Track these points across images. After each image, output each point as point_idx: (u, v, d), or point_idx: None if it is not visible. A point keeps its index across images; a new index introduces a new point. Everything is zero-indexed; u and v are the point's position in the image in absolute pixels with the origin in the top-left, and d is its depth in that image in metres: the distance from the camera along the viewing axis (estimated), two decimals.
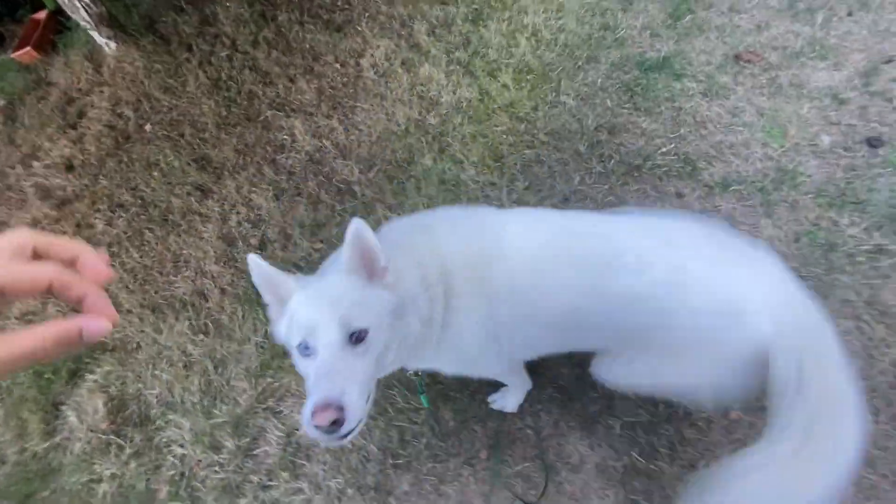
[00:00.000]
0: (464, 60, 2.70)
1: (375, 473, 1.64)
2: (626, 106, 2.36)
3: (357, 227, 0.92)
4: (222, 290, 2.16)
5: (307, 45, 2.92)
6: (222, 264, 2.23)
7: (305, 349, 0.88)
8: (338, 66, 2.80)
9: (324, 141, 2.50)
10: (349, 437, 0.81)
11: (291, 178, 2.43)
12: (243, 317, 2.07)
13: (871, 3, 2.53)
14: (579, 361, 1.74)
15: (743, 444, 1.51)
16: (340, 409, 0.77)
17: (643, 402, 1.63)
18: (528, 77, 2.55)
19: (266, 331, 2.00)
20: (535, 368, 1.66)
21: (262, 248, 2.24)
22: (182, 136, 2.68)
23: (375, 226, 2.13)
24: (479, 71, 2.63)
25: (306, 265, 2.15)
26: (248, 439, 1.79)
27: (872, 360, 1.58)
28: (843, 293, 1.72)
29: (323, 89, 2.71)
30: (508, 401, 1.62)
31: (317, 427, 0.78)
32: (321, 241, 2.21)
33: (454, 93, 2.56)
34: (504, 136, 2.35)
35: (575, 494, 1.51)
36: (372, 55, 2.80)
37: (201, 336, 2.06)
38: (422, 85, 2.63)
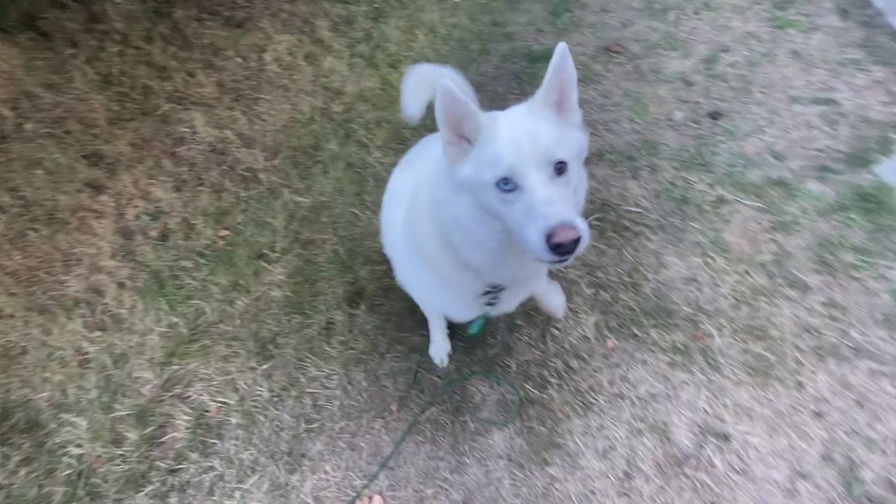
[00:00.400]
0: (366, 54, 2.82)
1: (289, 440, 1.66)
2: (515, 92, 2.60)
3: (563, 51, 0.88)
4: (120, 285, 2.07)
5: (206, 41, 2.90)
6: (119, 258, 2.14)
7: (506, 184, 0.85)
8: (239, 59, 2.80)
9: (226, 132, 2.49)
10: (575, 256, 0.84)
11: (192, 168, 2.39)
12: (145, 309, 2.00)
13: (712, 3, 3.01)
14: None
15: (619, 367, 1.73)
16: (574, 227, 0.80)
17: (534, 341, 1.81)
18: None
19: (171, 321, 1.96)
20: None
21: (163, 239, 2.18)
22: (69, 132, 2.53)
23: (280, 209, 2.18)
24: (381, 63, 2.76)
25: (213, 252, 2.13)
26: (153, 428, 1.73)
27: (716, 287, 1.89)
28: (693, 236, 2.03)
29: (224, 82, 2.70)
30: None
31: (558, 247, 0.79)
32: (226, 228, 2.19)
33: (357, 83, 2.67)
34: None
35: (479, 430, 1.64)
36: (275, 50, 2.84)
37: (98, 333, 1.96)
38: (325, 77, 2.71)
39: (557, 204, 0.82)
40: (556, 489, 1.52)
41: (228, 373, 1.82)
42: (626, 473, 1.53)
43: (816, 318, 1.79)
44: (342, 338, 1.86)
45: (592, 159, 2.32)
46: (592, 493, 1.50)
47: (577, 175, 0.95)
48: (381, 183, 2.27)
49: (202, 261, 2.11)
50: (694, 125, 2.43)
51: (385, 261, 2.04)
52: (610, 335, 1.80)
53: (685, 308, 1.84)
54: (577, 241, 0.80)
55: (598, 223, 2.10)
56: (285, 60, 2.79)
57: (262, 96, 2.63)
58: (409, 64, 2.74)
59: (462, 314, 1.30)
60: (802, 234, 2.00)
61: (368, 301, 1.95)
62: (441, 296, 1.25)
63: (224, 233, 2.19)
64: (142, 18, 3.00)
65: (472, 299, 1.16)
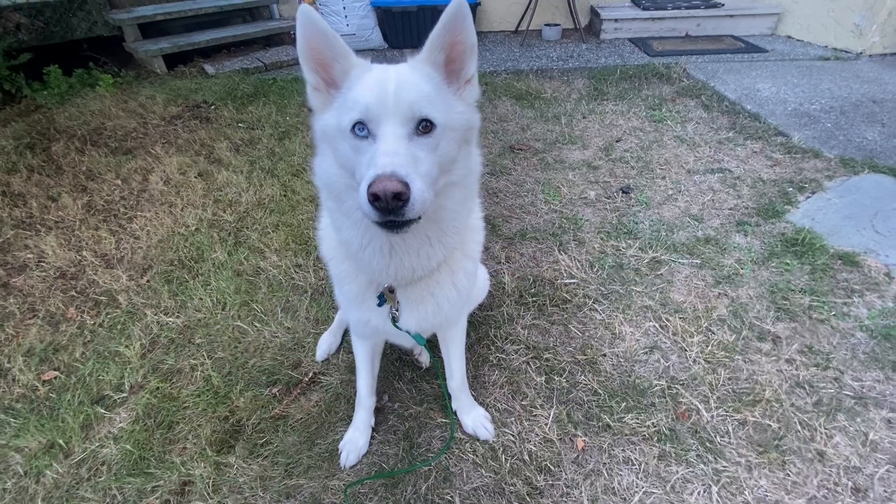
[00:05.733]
0: (267, 167, 2.67)
1: None
2: None
3: (458, 5, 0.75)
4: None
5: (83, 168, 2.62)
6: None
7: (361, 130, 0.75)
8: (118, 182, 2.51)
9: (84, 253, 2.06)
10: (407, 228, 0.72)
11: (26, 299, 1.86)
12: None
13: (596, 109, 3.34)
14: (407, 431, 1.40)
15: (599, 474, 1.26)
16: (405, 185, 0.67)
17: (482, 458, 1.31)
18: None
19: None
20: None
21: None
22: None
23: (138, 335, 1.68)
24: (283, 173, 2.60)
25: (28, 404, 1.52)
26: None
27: (683, 352, 1.58)
28: (640, 300, 1.79)
29: (94, 204, 2.35)
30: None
31: (376, 198, 0.67)
32: (56, 370, 1.62)
33: (256, 192, 2.44)
34: (309, 222, 2.23)
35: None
36: (164, 171, 2.60)
37: None
38: (218, 190, 2.47)
39: (400, 157, 0.70)
40: None
41: None
42: None
43: (802, 370, 1.50)
44: (201, 503, 1.25)
45: (517, 238, 2.14)
46: None
47: (455, 149, 0.82)
48: (276, 288, 1.90)
49: (6, 418, 1.48)
50: (608, 200, 2.41)
51: (276, 381, 1.55)
52: (577, 432, 1.36)
53: (656, 382, 1.49)
54: (399, 197, 0.67)
55: (534, 300, 1.81)
56: (175, 179, 2.54)
57: (140, 213, 2.29)
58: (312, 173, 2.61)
59: (373, 323, 1.08)
60: (749, 285, 1.84)
61: (247, 441, 1.39)
62: (350, 305, 1.09)
63: (51, 375, 1.60)
64: (11, 153, 2.71)
65: (371, 305, 1.03)
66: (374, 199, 0.67)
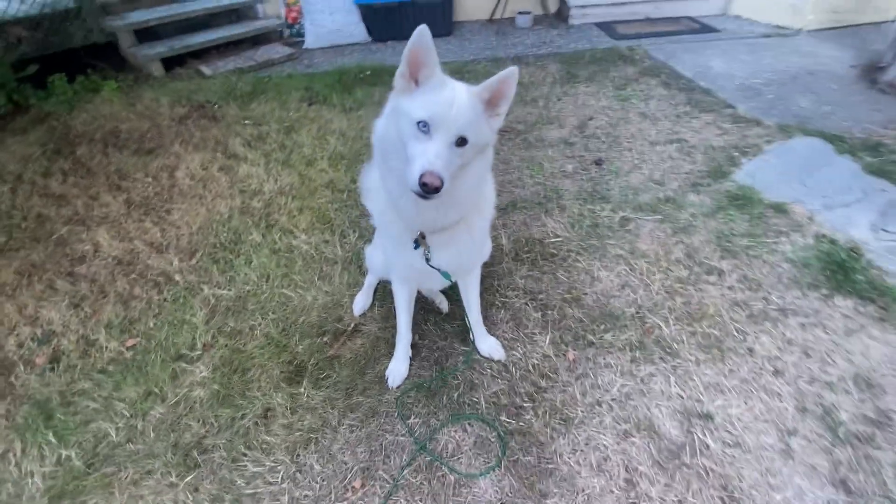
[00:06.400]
0: (281, 159, 2.97)
1: None
2: None
3: (511, 73, 1.07)
4: None
5: (112, 169, 2.87)
6: None
7: (424, 127, 1.05)
8: (149, 179, 2.78)
9: (135, 242, 2.35)
10: (432, 198, 1.04)
11: (94, 283, 2.16)
12: (24, 450, 1.59)
13: (570, 91, 3.71)
14: (437, 358, 1.78)
15: (586, 376, 1.67)
16: (441, 180, 1.01)
17: (497, 372, 1.70)
18: (343, 161, 2.92)
19: (60, 456, 1.57)
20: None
21: (54, 363, 1.85)
22: None
23: (200, 305, 2.00)
24: (298, 163, 2.91)
25: (118, 365, 1.83)
26: None
27: (648, 287, 1.99)
28: (613, 250, 2.19)
29: (132, 200, 2.63)
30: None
31: (423, 185, 1.01)
32: (134, 337, 1.93)
33: (276, 181, 2.75)
34: (329, 205, 2.56)
35: (460, 481, 1.41)
36: (187, 167, 2.88)
37: None
38: (241, 182, 2.77)
39: (441, 160, 1.04)
40: None
41: (140, 497, 1.44)
42: (627, 482, 1.37)
43: (739, 293, 1.93)
44: (285, 420, 1.60)
45: (509, 208, 2.51)
46: None
47: (473, 157, 1.16)
48: (310, 261, 2.24)
49: (104, 377, 1.80)
50: (584, 172, 2.80)
51: (325, 332, 1.90)
52: (568, 348, 1.76)
53: (628, 309, 1.90)
54: (437, 189, 1.02)
55: (528, 256, 2.19)
56: (199, 174, 2.82)
57: (175, 206, 2.57)
58: (324, 160, 2.93)
59: (412, 263, 1.42)
60: (700, 233, 2.25)
61: (311, 376, 1.75)
62: (392, 249, 1.45)
63: (132, 342, 1.92)
64: (41, 158, 2.94)
65: (411, 247, 1.36)
66: (423, 184, 1.01)
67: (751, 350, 1.71)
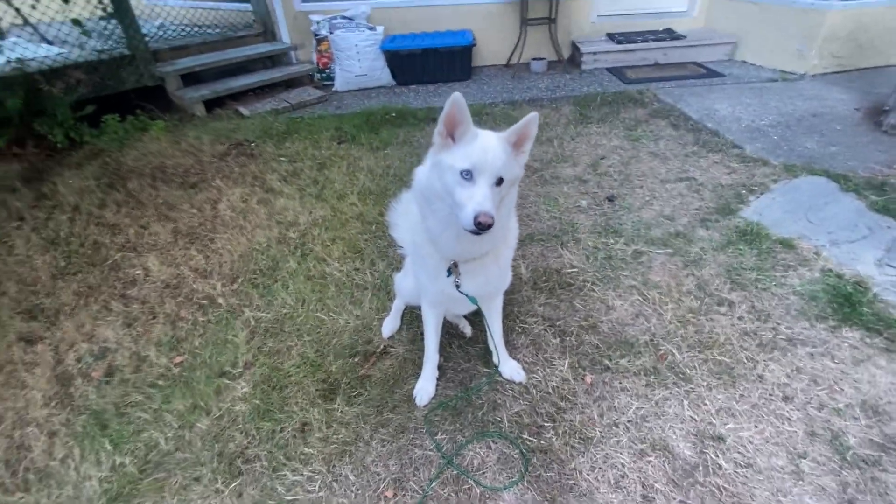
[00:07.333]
0: (314, 193, 3.20)
1: None
2: None
3: (533, 118, 1.26)
4: (52, 434, 1.81)
5: (160, 201, 3.13)
6: (53, 406, 1.90)
7: (467, 175, 1.21)
8: (194, 211, 3.02)
9: (182, 268, 2.56)
10: (485, 233, 1.19)
11: (145, 305, 2.35)
12: (82, 455, 1.74)
13: (582, 132, 3.93)
14: (462, 380, 1.90)
15: (603, 399, 1.77)
16: (492, 218, 1.17)
17: (519, 393, 1.81)
18: (371, 196, 3.14)
19: (115, 462, 1.71)
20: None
21: (109, 377, 2.01)
22: (3, 294, 2.44)
23: (241, 326, 2.15)
24: (330, 197, 3.14)
25: (167, 381, 1.99)
26: None
27: (661, 316, 2.10)
28: (627, 281, 2.32)
29: (179, 229, 2.86)
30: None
31: (479, 224, 1.16)
32: (181, 355, 2.10)
33: (310, 213, 2.97)
34: (359, 236, 2.75)
35: (485, 494, 1.51)
36: (228, 200, 3.12)
37: (18, 496, 1.63)
38: (279, 214, 2.99)
39: (488, 201, 1.20)
40: None
41: (190, 501, 1.56)
42: (644, 497, 1.45)
43: (748, 324, 2.03)
44: (321, 434, 1.73)
45: (527, 241, 2.67)
46: None
47: (508, 191, 1.34)
48: (342, 287, 2.41)
49: (154, 391, 1.95)
50: (597, 207, 2.96)
51: (356, 353, 2.04)
52: (585, 372, 1.87)
53: (642, 337, 2.00)
54: (490, 226, 1.18)
55: (546, 285, 2.33)
56: (239, 206, 3.06)
57: (217, 235, 2.79)
58: (354, 195, 3.15)
59: (443, 290, 1.56)
60: (710, 266, 2.38)
61: (344, 394, 1.88)
62: (426, 277, 1.60)
63: (179, 359, 2.08)
64: (96, 191, 3.22)
65: (443, 275, 1.51)
66: (478, 224, 1.17)
67: (761, 377, 1.80)
